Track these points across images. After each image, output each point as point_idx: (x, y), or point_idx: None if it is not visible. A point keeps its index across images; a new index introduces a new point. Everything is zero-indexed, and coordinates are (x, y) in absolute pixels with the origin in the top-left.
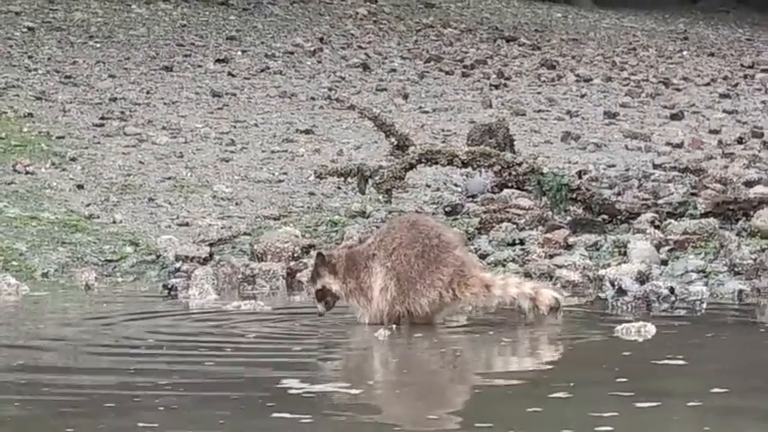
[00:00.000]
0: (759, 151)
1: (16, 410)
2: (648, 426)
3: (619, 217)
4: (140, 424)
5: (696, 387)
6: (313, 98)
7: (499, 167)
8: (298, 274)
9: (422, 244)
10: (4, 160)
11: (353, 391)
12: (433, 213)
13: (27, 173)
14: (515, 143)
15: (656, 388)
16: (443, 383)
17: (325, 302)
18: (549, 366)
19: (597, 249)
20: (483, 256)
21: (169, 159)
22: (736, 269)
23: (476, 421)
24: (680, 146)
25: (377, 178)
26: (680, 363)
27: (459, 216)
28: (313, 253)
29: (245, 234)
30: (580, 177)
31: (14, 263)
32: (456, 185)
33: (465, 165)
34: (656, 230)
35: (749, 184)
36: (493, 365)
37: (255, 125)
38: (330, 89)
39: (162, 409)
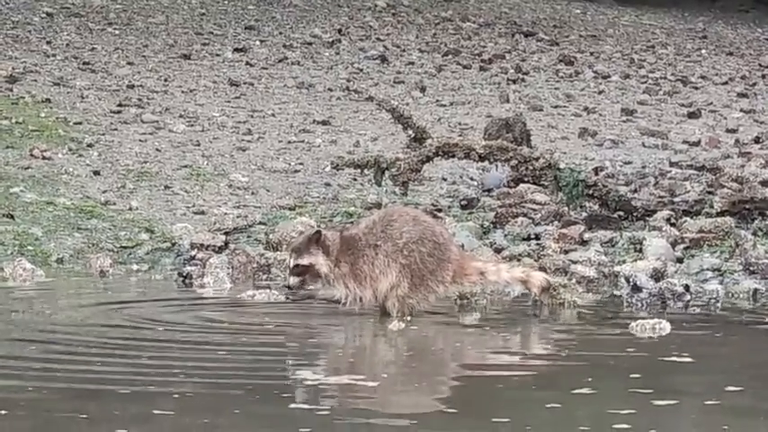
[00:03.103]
0: None
1: (31, 395)
2: (667, 424)
3: (635, 214)
4: (156, 411)
5: (712, 385)
6: (330, 89)
7: (516, 162)
8: None
9: (431, 242)
10: (22, 145)
11: (370, 384)
12: (449, 207)
13: (44, 158)
14: (532, 138)
15: (672, 385)
16: (460, 378)
17: (301, 280)
18: (565, 363)
19: (613, 246)
20: (498, 251)
21: (186, 147)
22: (751, 268)
23: (494, 416)
24: (697, 144)
25: (393, 170)
26: (695, 361)
27: (474, 210)
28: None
29: (260, 223)
30: (596, 174)
31: (30, 247)
32: (472, 179)
33: (482, 159)
34: (672, 228)
35: (765, 183)
36: (508, 361)
37: (272, 115)
38: (348, 80)
39: (177, 396)
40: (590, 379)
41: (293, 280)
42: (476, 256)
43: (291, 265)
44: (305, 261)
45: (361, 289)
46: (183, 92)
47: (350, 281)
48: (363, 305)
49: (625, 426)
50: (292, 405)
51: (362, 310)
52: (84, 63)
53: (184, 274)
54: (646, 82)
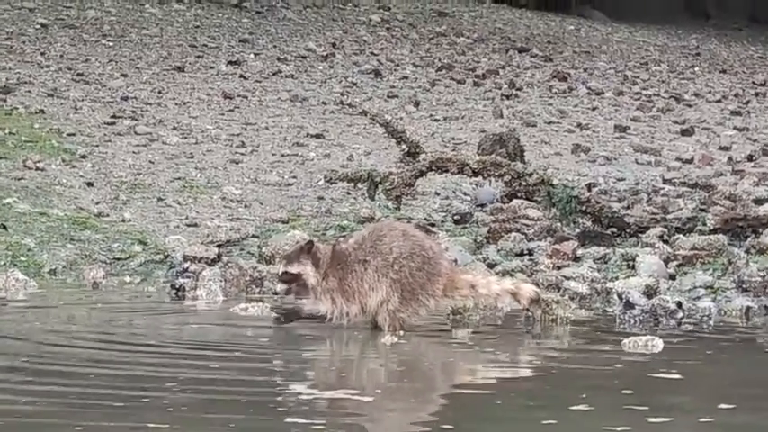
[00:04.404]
0: None
1: (25, 408)
2: None
3: (627, 230)
4: (150, 425)
5: (705, 402)
6: (324, 103)
7: (509, 178)
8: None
9: (421, 256)
10: (15, 156)
11: (365, 399)
12: (442, 221)
13: (37, 169)
14: (525, 154)
15: (666, 402)
16: (454, 394)
17: (288, 288)
18: (559, 380)
19: (605, 262)
20: (491, 266)
21: (179, 160)
22: (743, 286)
23: None
24: (690, 161)
25: (387, 184)
26: (688, 378)
27: (467, 225)
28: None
29: (253, 236)
30: (589, 190)
31: (23, 258)
32: (465, 194)
33: (475, 174)
34: (665, 245)
35: (758, 201)
36: (502, 377)
37: (266, 128)
38: (342, 94)
39: (171, 410)
40: (584, 395)
41: (281, 287)
42: (466, 270)
43: (280, 272)
44: (294, 270)
45: (347, 304)
46: (176, 104)
47: (337, 296)
48: (350, 320)
49: None
50: (287, 419)
51: (353, 325)
52: (77, 74)
53: (177, 287)
54: (639, 99)
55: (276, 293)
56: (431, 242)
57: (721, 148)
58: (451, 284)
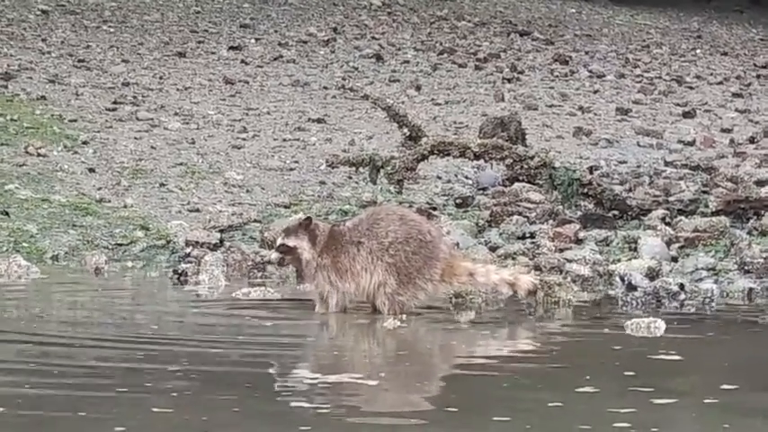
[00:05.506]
0: None
1: (29, 393)
2: (668, 422)
3: (629, 213)
4: (155, 409)
5: (708, 384)
6: (326, 87)
7: (511, 161)
8: None
9: (417, 240)
10: (17, 142)
11: (369, 382)
12: (444, 205)
13: (39, 155)
14: (527, 137)
15: (669, 384)
16: (458, 377)
17: (281, 258)
18: (563, 362)
19: (607, 244)
20: (493, 249)
21: (181, 145)
22: (746, 267)
23: (494, 415)
24: (692, 144)
25: (388, 168)
26: (690, 359)
27: (469, 208)
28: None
29: (255, 221)
30: (591, 173)
31: (25, 244)
32: (467, 178)
33: (477, 157)
34: (667, 227)
35: (760, 183)
36: (506, 360)
37: (268, 113)
38: (343, 79)
39: (175, 394)
40: (588, 377)
41: (275, 255)
42: (466, 257)
43: (277, 243)
44: (290, 242)
45: (341, 282)
46: (177, 90)
47: (332, 273)
48: (347, 299)
49: (626, 424)
50: (293, 403)
51: (355, 309)
52: (79, 60)
53: (179, 272)
54: (641, 81)
55: (270, 262)
56: (429, 226)
57: (723, 130)
58: (450, 270)
